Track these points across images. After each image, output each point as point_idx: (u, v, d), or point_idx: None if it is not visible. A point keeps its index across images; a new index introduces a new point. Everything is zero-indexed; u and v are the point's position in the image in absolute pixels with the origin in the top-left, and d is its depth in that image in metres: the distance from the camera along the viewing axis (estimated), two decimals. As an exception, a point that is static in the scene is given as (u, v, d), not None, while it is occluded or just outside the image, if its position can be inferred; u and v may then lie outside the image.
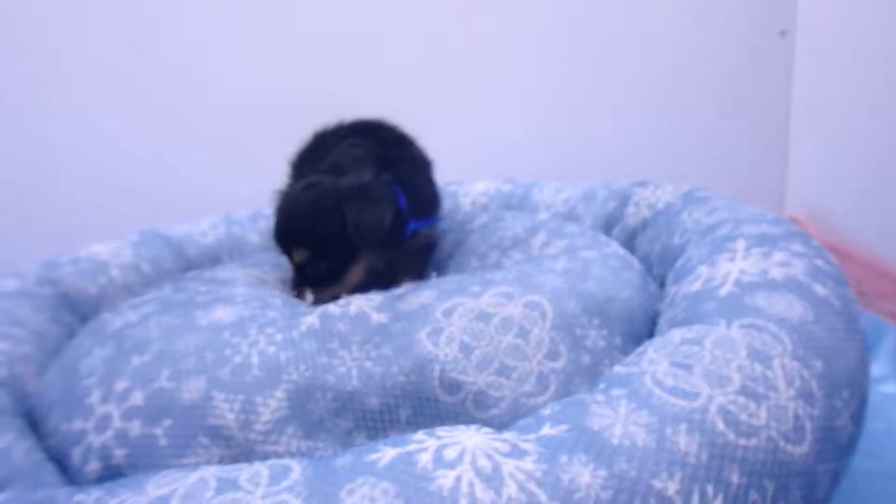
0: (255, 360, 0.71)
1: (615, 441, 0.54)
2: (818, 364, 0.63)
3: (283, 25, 1.72)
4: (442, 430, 0.57)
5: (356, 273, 1.05)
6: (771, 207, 1.79)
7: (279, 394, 0.69)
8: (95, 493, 0.53)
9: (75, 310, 1.01)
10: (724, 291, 0.75)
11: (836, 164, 1.72)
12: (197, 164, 1.76)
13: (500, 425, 0.71)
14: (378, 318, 0.81)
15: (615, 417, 0.57)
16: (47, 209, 1.72)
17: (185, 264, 1.23)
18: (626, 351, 0.83)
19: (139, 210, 1.63)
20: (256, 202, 1.41)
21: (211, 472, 0.53)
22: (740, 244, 0.85)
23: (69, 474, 0.65)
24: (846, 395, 0.64)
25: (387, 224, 1.01)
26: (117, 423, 0.67)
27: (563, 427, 0.56)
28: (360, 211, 0.99)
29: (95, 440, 0.66)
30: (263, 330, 0.75)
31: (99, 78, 1.68)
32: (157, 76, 1.70)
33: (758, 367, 0.61)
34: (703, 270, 0.83)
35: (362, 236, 1.00)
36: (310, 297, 0.98)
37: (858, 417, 0.66)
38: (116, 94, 1.70)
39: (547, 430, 0.56)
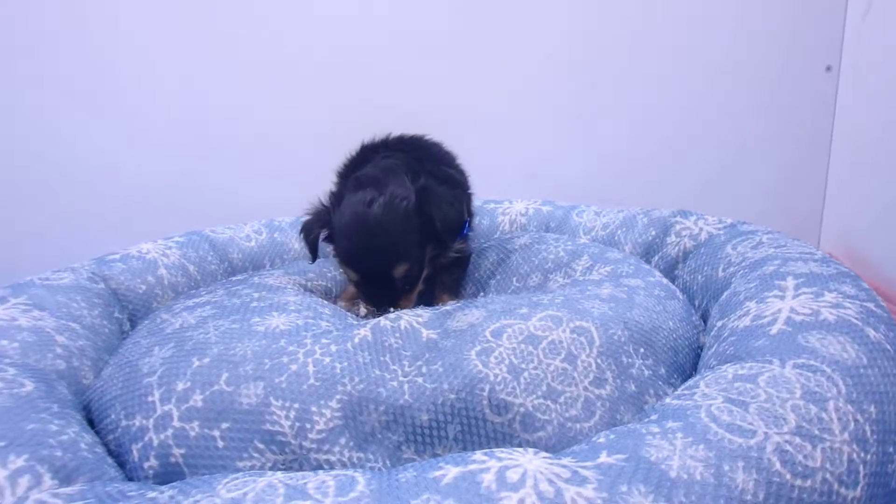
0: (311, 369, 0.73)
1: (673, 473, 0.55)
2: (871, 409, 0.64)
3: (329, 39, 1.75)
4: (501, 451, 0.58)
5: (420, 280, 1.06)
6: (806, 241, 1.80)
7: (334, 404, 0.70)
8: (168, 491, 0.54)
9: (124, 307, 1.04)
10: (775, 329, 0.76)
11: (874, 204, 1.71)
12: (239, 172, 1.79)
13: (546, 448, 0.72)
14: (428, 334, 0.82)
15: (672, 450, 0.57)
16: (94, 216, 1.76)
17: (229, 268, 1.25)
18: (670, 382, 0.83)
19: (182, 219, 1.65)
20: (298, 209, 1.44)
21: (278, 479, 0.54)
22: (789, 282, 0.86)
23: (127, 470, 0.67)
24: (899, 442, 0.64)
25: (464, 218, 1.03)
26: (176, 422, 0.68)
27: (621, 456, 0.57)
28: (443, 208, 1.01)
29: (155, 438, 0.68)
30: (318, 340, 0.77)
31: (143, 85, 1.72)
32: (202, 83, 1.75)
33: (813, 409, 0.62)
34: (752, 306, 0.84)
35: (450, 232, 1.01)
36: (362, 310, 1.00)
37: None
38: (161, 100, 1.74)
39: (604, 457, 0.57)
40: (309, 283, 1.12)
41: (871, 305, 0.79)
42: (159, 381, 0.72)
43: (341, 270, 1.11)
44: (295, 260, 1.33)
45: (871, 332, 0.73)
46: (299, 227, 1.10)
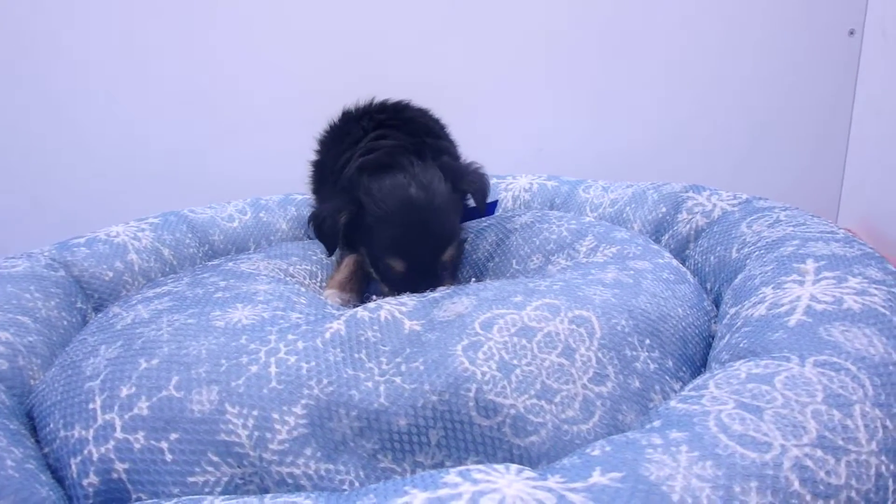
0: (273, 370, 0.65)
1: (676, 497, 0.47)
2: (904, 413, 0.56)
3: (317, 13, 1.65)
4: (477, 471, 0.50)
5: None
6: (824, 217, 1.70)
7: (298, 410, 0.63)
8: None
9: (89, 296, 0.96)
10: (793, 320, 0.68)
11: (895, 176, 1.61)
12: (225, 148, 1.71)
13: (539, 455, 0.65)
14: (411, 325, 0.74)
15: (675, 467, 0.50)
16: (67, 194, 1.68)
17: (209, 251, 1.17)
18: (678, 376, 0.75)
19: (165, 195, 1.58)
20: (286, 187, 1.37)
21: (217, 507, 0.47)
22: (809, 265, 0.77)
23: (66, 487, 0.60)
24: (931, 449, 0.56)
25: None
26: (119, 433, 0.61)
27: (617, 475, 0.49)
28: (475, 183, 1.01)
29: (95, 451, 0.61)
30: (284, 336, 0.69)
31: (125, 60, 1.64)
32: (186, 58, 1.65)
33: (836, 415, 0.54)
34: (768, 292, 0.75)
35: (483, 204, 1.01)
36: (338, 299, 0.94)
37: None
38: (142, 75, 1.65)
39: (597, 476, 0.49)
40: (291, 268, 1.04)
41: (900, 290, 0.71)
42: (102, 385, 0.65)
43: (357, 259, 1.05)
44: (281, 242, 1.26)
45: (903, 322, 0.65)
46: (313, 217, 1.01)
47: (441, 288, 0.84)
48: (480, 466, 0.51)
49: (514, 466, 0.52)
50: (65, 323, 0.86)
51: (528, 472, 0.51)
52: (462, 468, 0.51)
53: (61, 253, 0.97)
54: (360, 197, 0.95)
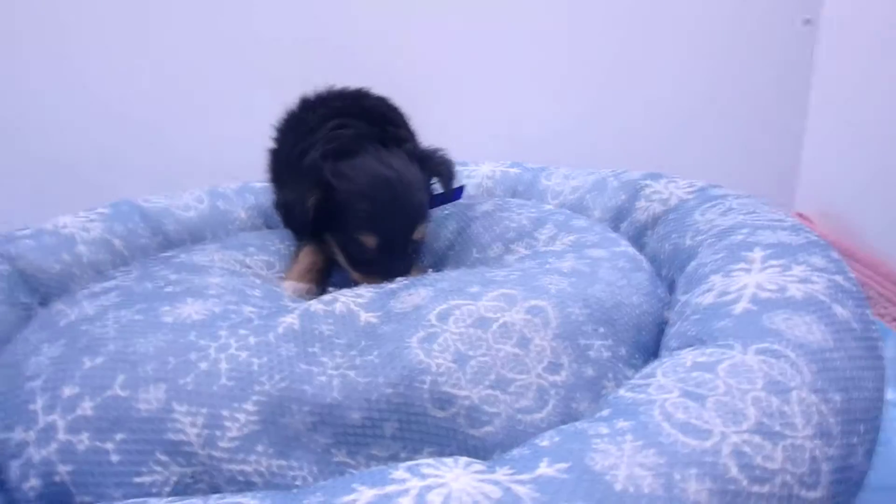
0: (223, 366, 0.64)
1: (619, 486, 0.48)
2: (837, 398, 0.58)
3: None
4: (426, 465, 0.50)
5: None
6: (780, 202, 1.73)
7: (249, 406, 0.62)
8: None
9: (35, 290, 0.93)
10: (739, 308, 0.69)
11: (850, 162, 1.65)
12: (185, 129, 1.66)
13: (493, 445, 0.65)
14: (367, 317, 0.74)
15: (619, 456, 0.51)
16: (10, 168, 1.60)
17: (163, 241, 1.14)
18: (631, 363, 0.77)
19: (116, 174, 1.54)
20: (245, 174, 1.34)
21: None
22: (757, 253, 0.79)
23: (5, 491, 0.59)
24: (862, 430, 0.58)
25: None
26: (62, 434, 0.60)
27: (563, 466, 0.50)
28: (442, 167, 1.02)
29: (36, 454, 0.59)
30: (235, 331, 0.69)
31: (86, 27, 1.57)
32: (148, 31, 1.60)
33: (774, 401, 0.56)
34: (717, 280, 0.77)
35: (450, 189, 1.03)
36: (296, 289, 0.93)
37: (871, 452, 0.61)
38: (103, 45, 1.58)
39: (544, 468, 0.50)
40: (248, 259, 1.02)
41: (839, 278, 0.73)
42: (44, 385, 0.63)
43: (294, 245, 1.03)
44: (240, 231, 1.24)
45: (839, 310, 0.67)
46: (280, 205, 1.00)
47: (399, 279, 0.84)
48: (430, 461, 0.52)
49: (463, 460, 0.52)
50: (9, 318, 0.84)
51: (477, 465, 0.51)
52: (411, 463, 0.51)
53: (5, 246, 0.94)
54: (328, 179, 0.94)
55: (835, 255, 0.79)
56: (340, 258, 1.01)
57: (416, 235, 0.98)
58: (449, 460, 0.51)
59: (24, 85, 1.58)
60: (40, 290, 0.93)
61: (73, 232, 1.02)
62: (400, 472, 0.49)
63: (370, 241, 0.94)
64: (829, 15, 1.70)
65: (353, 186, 0.93)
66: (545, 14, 1.72)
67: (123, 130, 1.63)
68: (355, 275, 0.99)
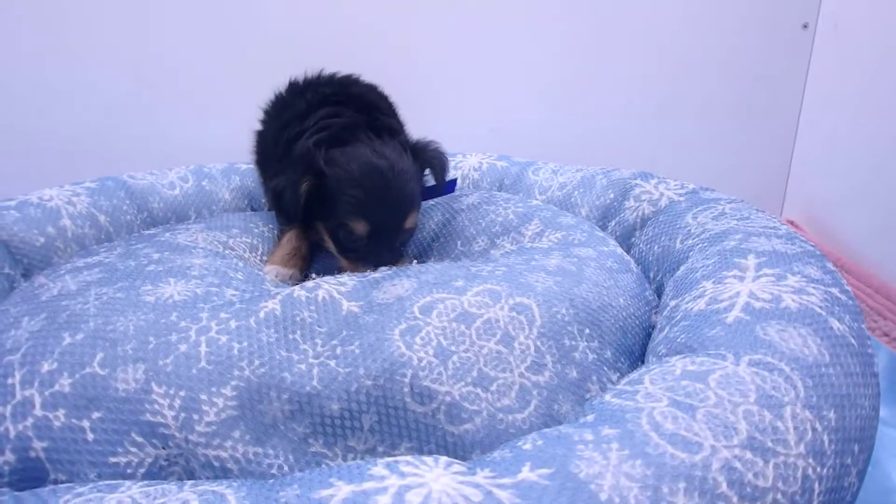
0: (203, 349, 0.63)
1: (604, 496, 0.47)
2: (831, 415, 0.57)
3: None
4: (405, 463, 0.49)
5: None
6: (769, 208, 1.72)
7: (227, 391, 0.61)
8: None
9: (18, 262, 0.91)
10: (731, 317, 0.68)
11: (842, 171, 1.64)
12: (173, 109, 1.63)
13: (473, 443, 0.64)
14: (349, 306, 0.72)
15: (605, 465, 0.50)
16: (4, 148, 1.57)
17: (148, 218, 1.13)
18: (616, 367, 0.76)
19: (105, 152, 1.51)
20: (232, 155, 1.32)
21: (133, 495, 0.45)
22: (750, 261, 0.78)
23: (-22, 466, 0.57)
24: (856, 450, 0.58)
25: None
26: (38, 410, 0.58)
27: (546, 471, 0.49)
28: (435, 159, 1.02)
29: (12, 428, 0.58)
30: (217, 314, 0.67)
31: (82, 12, 1.53)
32: (131, 17, 1.56)
33: (767, 416, 0.55)
34: (709, 286, 0.76)
35: (443, 181, 1.03)
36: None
37: (864, 472, 0.60)
38: (87, 28, 1.55)
39: (526, 472, 0.49)
40: (231, 241, 1.00)
41: (835, 291, 0.72)
42: (22, 359, 0.62)
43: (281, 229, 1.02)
44: (224, 212, 1.22)
45: (836, 324, 0.66)
46: (272, 189, 0.97)
47: (383, 269, 0.83)
48: (409, 458, 0.51)
49: (443, 459, 0.51)
50: (-11, 289, 0.82)
51: (458, 466, 0.50)
52: (390, 460, 0.50)
53: (-12, 216, 0.92)
54: (321, 166, 0.93)
55: (830, 266, 0.79)
56: (329, 244, 0.99)
57: (407, 224, 0.97)
58: (429, 459, 0.50)
59: (20, 68, 1.54)
60: (23, 262, 0.91)
61: (58, 205, 1.00)
62: (379, 468, 0.48)
63: (360, 227, 0.93)
64: (826, 19, 1.70)
65: (345, 173, 0.92)
66: (541, 11, 1.70)
67: (117, 112, 1.60)
68: (343, 262, 0.98)
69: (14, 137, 1.57)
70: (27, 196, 1.01)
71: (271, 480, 0.49)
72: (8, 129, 1.57)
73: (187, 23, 1.58)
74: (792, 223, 1.76)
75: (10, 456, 0.57)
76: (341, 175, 0.92)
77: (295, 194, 0.92)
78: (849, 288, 0.76)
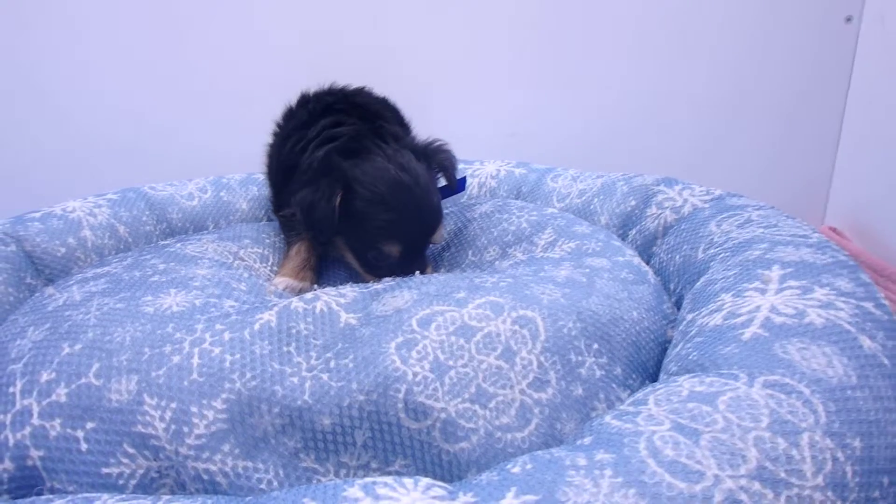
0: (195, 361, 0.62)
1: (590, 526, 0.44)
2: (856, 444, 0.52)
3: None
4: (382, 485, 0.47)
5: None
6: (810, 215, 1.64)
7: (218, 404, 0.60)
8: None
9: (40, 272, 0.93)
10: (748, 333, 0.64)
11: (888, 172, 1.55)
12: (191, 123, 1.65)
13: (468, 462, 0.62)
14: (347, 318, 0.71)
15: (595, 493, 0.47)
16: (27, 163, 1.61)
17: (167, 228, 1.14)
18: (626, 384, 0.72)
19: (126, 168, 1.54)
20: (249, 165, 1.32)
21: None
22: (775, 272, 0.73)
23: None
24: (886, 483, 0.52)
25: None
26: (36, 419, 0.59)
27: (531, 498, 0.46)
28: (445, 160, 1.01)
29: (11, 436, 0.59)
30: (212, 325, 0.66)
31: (91, 32, 1.56)
32: (157, 30, 1.58)
33: (781, 443, 0.50)
34: (727, 299, 0.72)
35: (454, 180, 1.03)
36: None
37: (896, 510, 0.55)
38: (112, 43, 1.58)
39: (510, 499, 0.47)
40: (242, 251, 1.00)
41: (869, 305, 0.66)
42: (24, 369, 0.62)
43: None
44: (241, 222, 1.22)
45: (866, 342, 0.61)
46: (300, 202, 0.92)
47: (386, 279, 0.81)
48: (388, 479, 0.49)
49: (424, 481, 0.49)
50: (11, 298, 0.84)
51: (438, 490, 0.48)
52: (368, 480, 0.48)
53: (14, 227, 0.95)
54: (349, 180, 0.90)
55: (865, 277, 0.72)
56: (353, 262, 0.98)
57: (435, 239, 0.96)
58: (409, 481, 0.48)
59: (34, 81, 1.58)
60: (45, 273, 0.93)
61: (80, 216, 1.02)
62: (354, 489, 0.46)
63: (394, 250, 0.92)
64: (871, 12, 1.61)
65: (372, 195, 0.90)
66: (564, 13, 1.65)
67: (133, 125, 1.63)
68: (368, 277, 0.96)
69: (43, 152, 1.61)
70: (52, 208, 1.03)
71: (249, 497, 0.48)
72: (36, 143, 1.61)
73: (209, 39, 1.60)
74: (834, 230, 1.67)
75: (8, 464, 0.58)
76: (368, 196, 0.90)
77: (329, 206, 0.89)
78: (885, 303, 0.70)
